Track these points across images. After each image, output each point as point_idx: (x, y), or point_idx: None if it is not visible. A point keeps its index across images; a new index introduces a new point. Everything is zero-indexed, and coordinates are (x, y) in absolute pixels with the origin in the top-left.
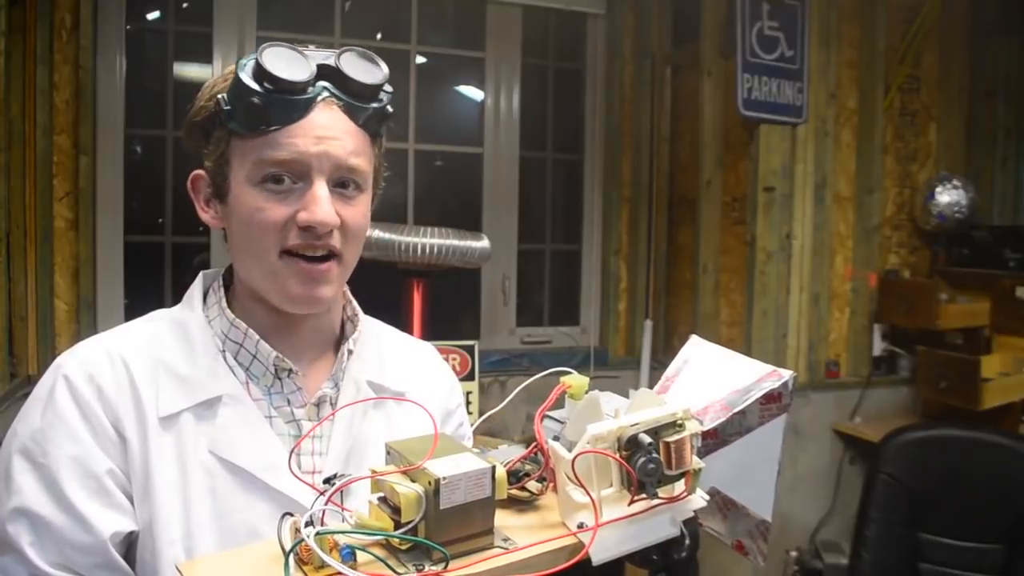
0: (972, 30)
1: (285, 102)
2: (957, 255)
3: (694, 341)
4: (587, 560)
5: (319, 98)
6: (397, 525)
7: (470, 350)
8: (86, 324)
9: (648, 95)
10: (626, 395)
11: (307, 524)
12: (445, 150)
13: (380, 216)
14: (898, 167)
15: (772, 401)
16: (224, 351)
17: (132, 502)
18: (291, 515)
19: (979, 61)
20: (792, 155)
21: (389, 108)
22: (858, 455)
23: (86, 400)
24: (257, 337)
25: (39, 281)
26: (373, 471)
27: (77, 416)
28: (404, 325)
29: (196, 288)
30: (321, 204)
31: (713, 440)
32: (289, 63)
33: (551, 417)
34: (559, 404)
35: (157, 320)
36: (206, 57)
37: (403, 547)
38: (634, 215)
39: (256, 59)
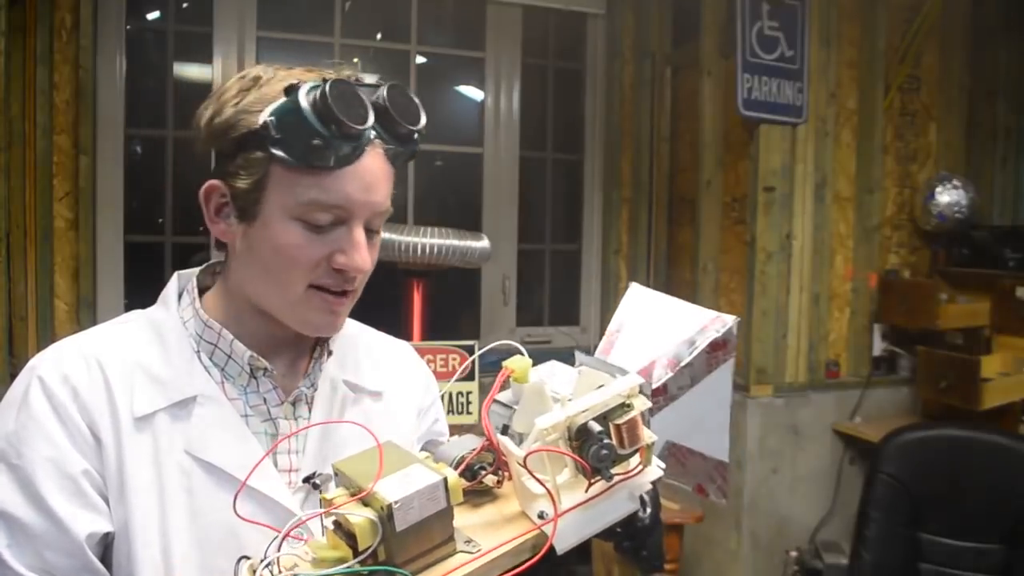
0: (972, 30)
1: (343, 146)
2: (957, 255)
3: (634, 289)
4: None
5: (370, 142)
6: (355, 551)
7: (470, 350)
8: (86, 324)
9: (648, 95)
10: None
11: (265, 564)
12: (445, 150)
13: None
14: (898, 167)
15: (718, 349)
16: (199, 351)
17: (108, 504)
18: (247, 558)
19: (979, 61)
20: (792, 155)
21: (417, 148)
22: (858, 455)
23: (61, 401)
24: (231, 337)
25: (39, 281)
26: (325, 499)
27: (52, 417)
28: (404, 325)
29: (171, 288)
30: (361, 252)
31: (663, 396)
32: (353, 105)
33: (499, 402)
34: (505, 387)
35: (132, 321)
36: (206, 57)
37: (365, 572)
38: (634, 215)
39: (324, 95)
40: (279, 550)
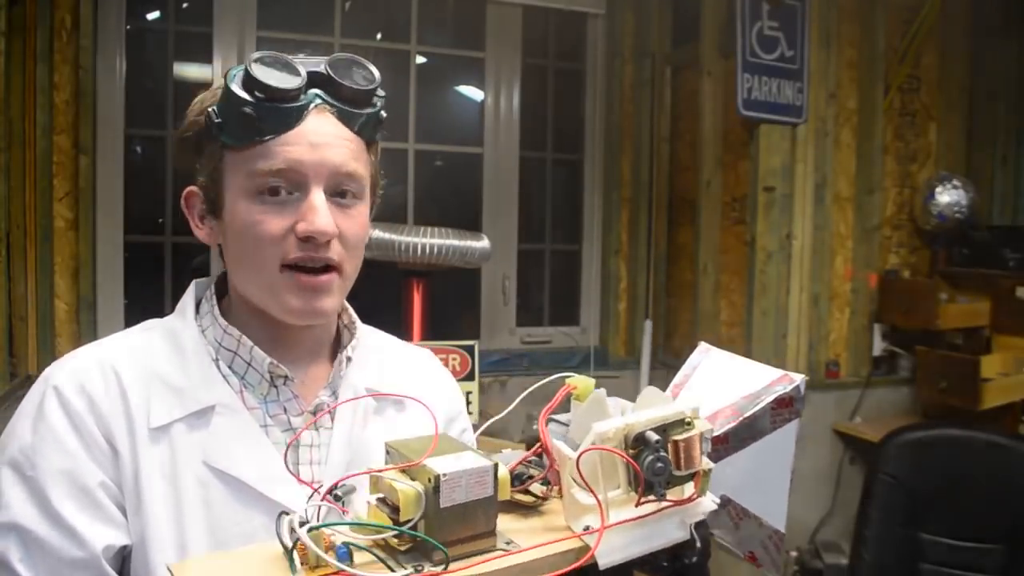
0: (972, 30)
1: (277, 111)
2: (957, 255)
3: (702, 348)
4: (594, 565)
5: (312, 106)
6: (396, 524)
7: (470, 350)
8: (86, 324)
9: (648, 95)
10: (626, 395)
11: (302, 524)
12: (445, 150)
13: (380, 216)
14: (898, 167)
15: (783, 406)
16: (218, 360)
17: (125, 515)
18: (287, 513)
19: (979, 61)
20: (792, 155)
21: (383, 113)
22: (858, 455)
23: (77, 412)
24: (251, 344)
25: (39, 281)
26: (372, 469)
27: (67, 428)
28: (404, 325)
29: (189, 297)
30: (319, 213)
31: (723, 446)
32: (279, 71)
33: (556, 420)
34: (564, 407)
35: (150, 329)
36: (206, 57)
37: (402, 547)
38: (634, 215)
39: (245, 68)
40: (319, 511)
